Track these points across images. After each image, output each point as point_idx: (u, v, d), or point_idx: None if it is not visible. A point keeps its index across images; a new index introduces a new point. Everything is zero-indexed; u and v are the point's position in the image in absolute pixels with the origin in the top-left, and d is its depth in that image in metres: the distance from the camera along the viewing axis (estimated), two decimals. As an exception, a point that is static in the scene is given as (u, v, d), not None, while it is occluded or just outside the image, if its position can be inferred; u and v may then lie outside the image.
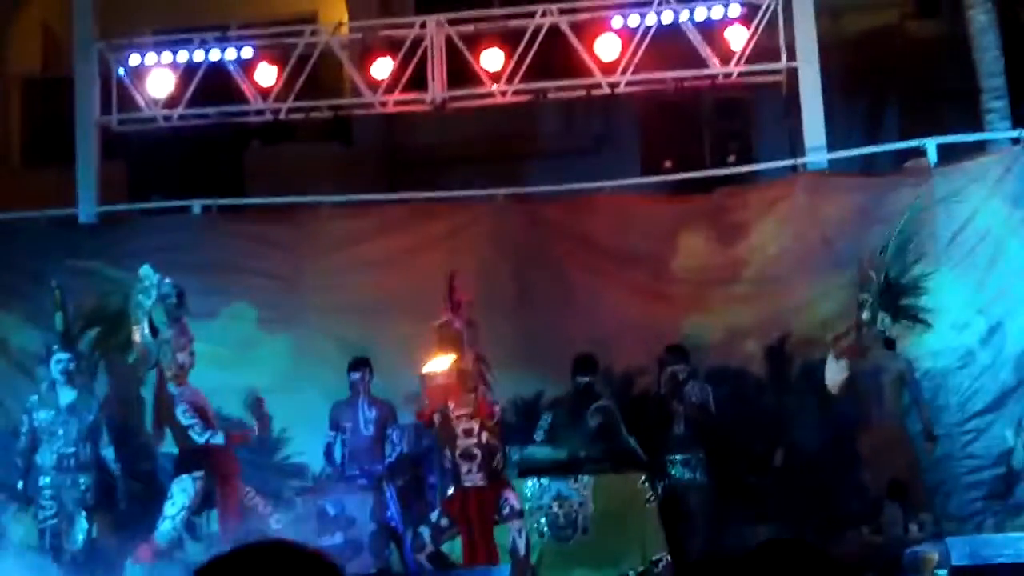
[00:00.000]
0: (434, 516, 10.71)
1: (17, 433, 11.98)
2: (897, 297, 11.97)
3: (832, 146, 13.56)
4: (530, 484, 11.57)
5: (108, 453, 11.92)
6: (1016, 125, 13.60)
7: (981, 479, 12.31)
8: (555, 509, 11.50)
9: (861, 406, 11.74)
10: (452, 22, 14.08)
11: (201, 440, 10.84)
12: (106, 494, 11.80)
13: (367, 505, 11.87)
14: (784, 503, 12.04)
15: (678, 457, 12.10)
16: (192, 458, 10.86)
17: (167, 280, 11.12)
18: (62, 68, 16.15)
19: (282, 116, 14.44)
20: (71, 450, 11.76)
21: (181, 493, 10.70)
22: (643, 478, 11.54)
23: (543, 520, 11.52)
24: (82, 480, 11.74)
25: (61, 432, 11.76)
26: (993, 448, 12.31)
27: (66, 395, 11.90)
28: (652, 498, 11.53)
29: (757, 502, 12.16)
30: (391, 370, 12.63)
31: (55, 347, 12.03)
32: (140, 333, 10.98)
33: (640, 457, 11.85)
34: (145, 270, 11.09)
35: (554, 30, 13.83)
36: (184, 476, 10.76)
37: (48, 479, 11.67)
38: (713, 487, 12.06)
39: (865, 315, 11.75)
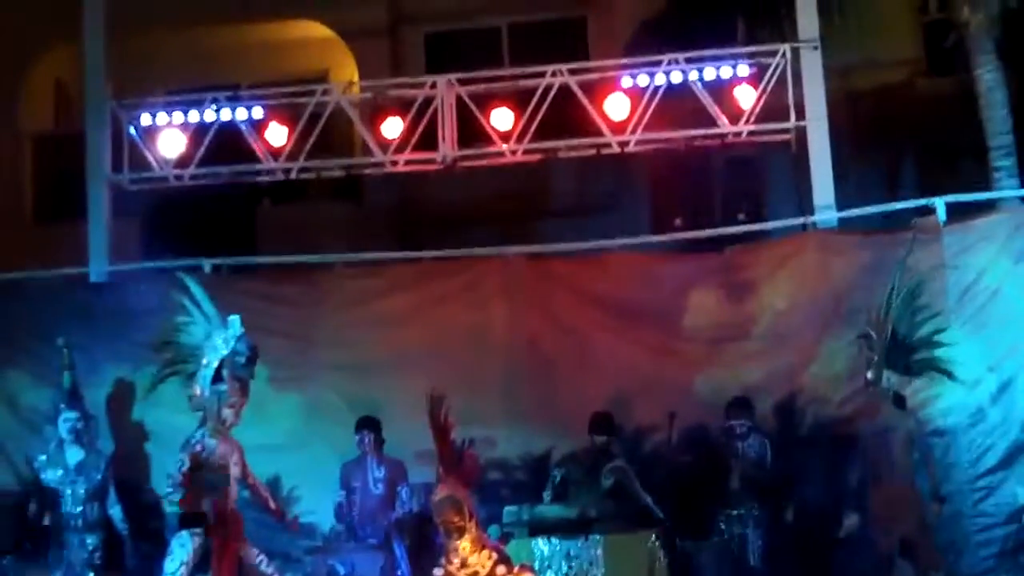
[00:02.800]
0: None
1: (26, 491, 11.98)
2: (909, 354, 11.94)
3: (842, 203, 13.58)
4: (540, 543, 11.53)
5: (116, 512, 11.92)
6: (1025, 183, 13.67)
7: (993, 537, 12.25)
8: (565, 568, 11.46)
9: (872, 465, 11.70)
10: (462, 82, 14.16)
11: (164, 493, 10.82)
12: (114, 554, 11.78)
13: (377, 564, 11.85)
14: (795, 561, 11.99)
15: (733, 513, 12.14)
16: (192, 515, 10.78)
17: (247, 339, 11.09)
18: (74, 125, 16.25)
19: (293, 175, 14.52)
20: (78, 510, 11.76)
21: (180, 548, 10.65)
22: (653, 537, 11.50)
23: (553, 578, 11.49)
24: (89, 540, 11.73)
25: (69, 492, 11.76)
26: (1004, 506, 12.25)
27: (74, 454, 11.91)
28: (662, 557, 11.49)
29: (768, 560, 12.12)
30: (402, 428, 12.62)
31: (62, 405, 12.06)
32: (202, 376, 10.96)
33: (657, 515, 11.84)
34: (234, 319, 11.09)
35: (564, 90, 13.91)
36: (183, 532, 10.71)
37: (57, 539, 11.66)
38: (766, 543, 12.08)
39: (870, 374, 11.75)
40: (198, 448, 10.72)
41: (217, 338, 11.05)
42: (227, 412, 10.84)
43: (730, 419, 12.34)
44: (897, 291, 11.78)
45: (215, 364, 10.89)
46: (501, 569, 9.65)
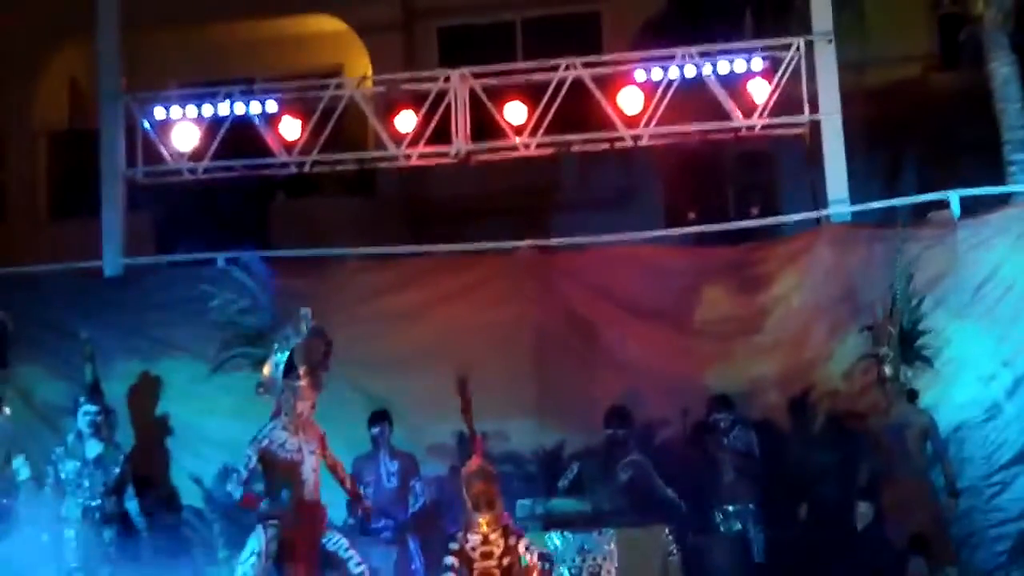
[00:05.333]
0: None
1: (42, 484, 12.00)
2: (911, 344, 11.97)
3: (855, 198, 13.57)
4: (554, 537, 11.54)
5: (132, 506, 11.95)
6: (1039, 177, 13.64)
7: (1007, 532, 12.23)
8: (579, 562, 11.47)
9: (885, 461, 11.70)
10: (476, 75, 14.17)
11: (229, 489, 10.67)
12: (130, 548, 11.81)
13: (391, 558, 11.86)
14: (808, 557, 11.98)
15: (729, 508, 12.15)
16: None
17: (322, 331, 10.77)
18: (88, 121, 16.29)
19: (307, 169, 14.54)
20: (96, 503, 11.80)
21: (254, 539, 10.42)
22: (667, 531, 11.51)
23: (566, 573, 11.49)
24: (106, 534, 11.77)
25: (87, 484, 11.80)
26: (1019, 501, 12.23)
27: (92, 447, 11.94)
28: (675, 551, 11.50)
29: (780, 556, 12.12)
30: (415, 422, 12.67)
31: (82, 399, 12.08)
32: (274, 365, 10.62)
33: (679, 508, 11.85)
34: (305, 311, 10.76)
35: (577, 84, 13.91)
36: (258, 525, 10.57)
37: (73, 532, 11.70)
38: (770, 539, 12.12)
39: (888, 370, 11.75)
40: (266, 443, 10.38)
41: (289, 328, 10.75)
42: (301, 406, 10.49)
43: (712, 414, 12.35)
44: (899, 283, 11.80)
45: (286, 355, 10.60)
46: (522, 544, 9.82)
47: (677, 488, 12.09)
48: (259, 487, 10.36)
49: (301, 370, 10.49)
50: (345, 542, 10.39)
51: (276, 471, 10.32)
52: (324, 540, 10.32)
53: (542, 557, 9.98)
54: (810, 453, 12.63)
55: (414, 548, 12.11)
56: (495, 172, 15.56)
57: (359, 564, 10.34)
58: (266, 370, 10.67)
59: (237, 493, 10.38)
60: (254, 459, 10.33)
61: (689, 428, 12.50)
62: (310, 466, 10.44)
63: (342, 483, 10.89)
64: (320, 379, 10.65)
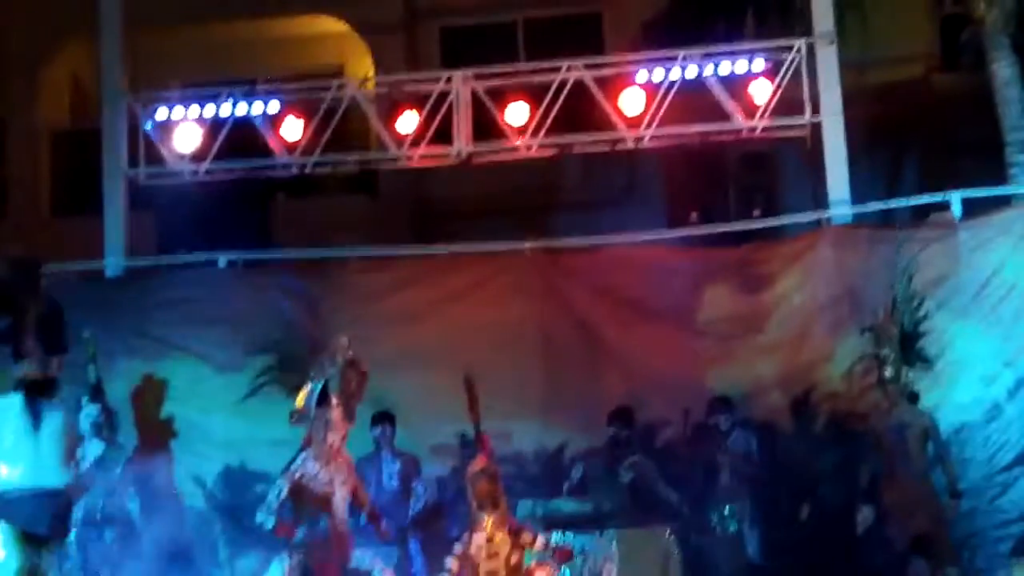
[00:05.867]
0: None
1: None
2: (912, 345, 11.98)
3: (856, 199, 13.57)
4: (555, 537, 11.53)
5: (134, 507, 11.96)
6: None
7: (1008, 533, 12.19)
8: (580, 563, 11.47)
9: (886, 461, 11.71)
10: (478, 76, 14.17)
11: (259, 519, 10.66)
12: (131, 548, 11.81)
13: (392, 558, 11.85)
14: (810, 557, 11.99)
15: (725, 509, 12.16)
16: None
17: (357, 360, 10.75)
18: (91, 120, 16.28)
19: (308, 170, 14.53)
20: (98, 503, 11.80)
21: (276, 565, 10.44)
22: (668, 532, 11.51)
23: (568, 574, 11.48)
24: (107, 534, 11.77)
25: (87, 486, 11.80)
26: (1021, 502, 12.24)
27: (94, 448, 11.95)
28: (677, 553, 11.50)
29: (782, 556, 12.12)
30: (417, 422, 12.68)
31: (85, 399, 12.09)
32: (308, 393, 10.51)
33: (680, 511, 11.85)
34: (343, 340, 10.72)
35: (579, 85, 13.91)
36: (283, 552, 10.57)
37: (74, 532, 11.69)
38: (765, 539, 12.10)
39: (888, 372, 11.76)
40: (298, 474, 10.41)
41: (325, 357, 10.73)
42: (332, 437, 10.48)
43: (712, 416, 12.35)
44: (900, 284, 11.81)
45: (320, 385, 10.52)
46: (539, 541, 9.87)
47: (679, 489, 12.10)
48: (290, 515, 10.36)
49: (334, 400, 10.49)
50: (367, 555, 10.45)
51: (308, 502, 10.34)
52: (355, 565, 10.39)
53: (561, 555, 10.01)
54: (811, 454, 12.63)
55: (415, 549, 12.11)
56: (498, 173, 15.55)
57: (382, 571, 10.40)
58: (300, 399, 10.59)
59: (269, 523, 10.42)
60: (285, 490, 10.38)
61: (690, 429, 12.50)
62: (341, 496, 10.50)
63: (361, 507, 10.90)
64: (353, 410, 10.68)
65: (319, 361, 10.72)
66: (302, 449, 10.47)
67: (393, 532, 12.05)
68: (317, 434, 10.43)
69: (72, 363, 12.61)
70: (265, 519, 10.41)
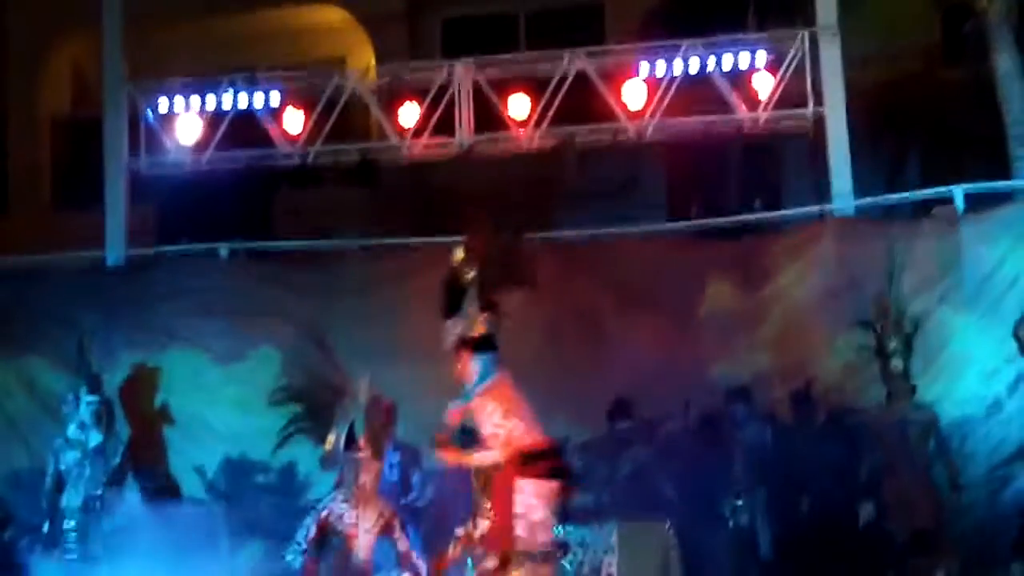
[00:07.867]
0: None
1: (43, 474, 12.02)
2: (913, 339, 11.98)
3: (858, 192, 13.56)
4: (555, 530, 11.52)
5: (132, 496, 11.97)
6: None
7: (1009, 527, 12.22)
8: (580, 556, 11.47)
9: (887, 455, 11.70)
10: (480, 67, 14.15)
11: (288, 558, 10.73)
12: (131, 538, 11.81)
13: (392, 550, 11.84)
14: (810, 551, 11.98)
15: (738, 501, 12.16)
16: None
17: (382, 398, 10.85)
18: (92, 109, 16.26)
19: (310, 160, 14.53)
20: (98, 492, 11.81)
21: None
22: (668, 526, 11.50)
23: (568, 566, 11.48)
24: (107, 524, 11.78)
25: (88, 474, 11.81)
26: (1021, 496, 12.23)
27: (94, 438, 11.96)
28: (676, 546, 11.49)
29: (782, 550, 12.11)
30: (417, 414, 12.62)
31: (84, 389, 12.10)
32: (336, 437, 10.53)
33: (675, 505, 11.84)
34: (365, 379, 10.69)
35: (581, 76, 13.89)
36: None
37: (74, 522, 11.71)
38: (776, 533, 12.08)
39: (889, 365, 11.75)
40: (325, 513, 10.48)
41: (348, 399, 10.66)
42: (364, 477, 10.51)
43: (730, 405, 12.35)
44: (901, 278, 11.82)
45: (347, 427, 10.53)
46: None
47: (680, 482, 12.08)
48: (315, 553, 10.47)
49: (361, 442, 10.51)
50: None
51: (331, 539, 10.45)
52: None
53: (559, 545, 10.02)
54: (812, 447, 12.59)
55: (413, 540, 12.08)
56: (499, 164, 15.53)
57: None
58: (328, 443, 10.60)
59: (297, 562, 10.58)
60: (313, 530, 10.48)
61: (695, 421, 12.47)
62: (363, 543, 10.48)
63: (395, 544, 10.85)
64: (382, 448, 10.70)
65: (343, 404, 10.67)
66: (334, 488, 10.61)
67: (393, 524, 12.08)
68: (347, 475, 10.49)
69: (72, 353, 12.74)
70: (294, 558, 10.59)
